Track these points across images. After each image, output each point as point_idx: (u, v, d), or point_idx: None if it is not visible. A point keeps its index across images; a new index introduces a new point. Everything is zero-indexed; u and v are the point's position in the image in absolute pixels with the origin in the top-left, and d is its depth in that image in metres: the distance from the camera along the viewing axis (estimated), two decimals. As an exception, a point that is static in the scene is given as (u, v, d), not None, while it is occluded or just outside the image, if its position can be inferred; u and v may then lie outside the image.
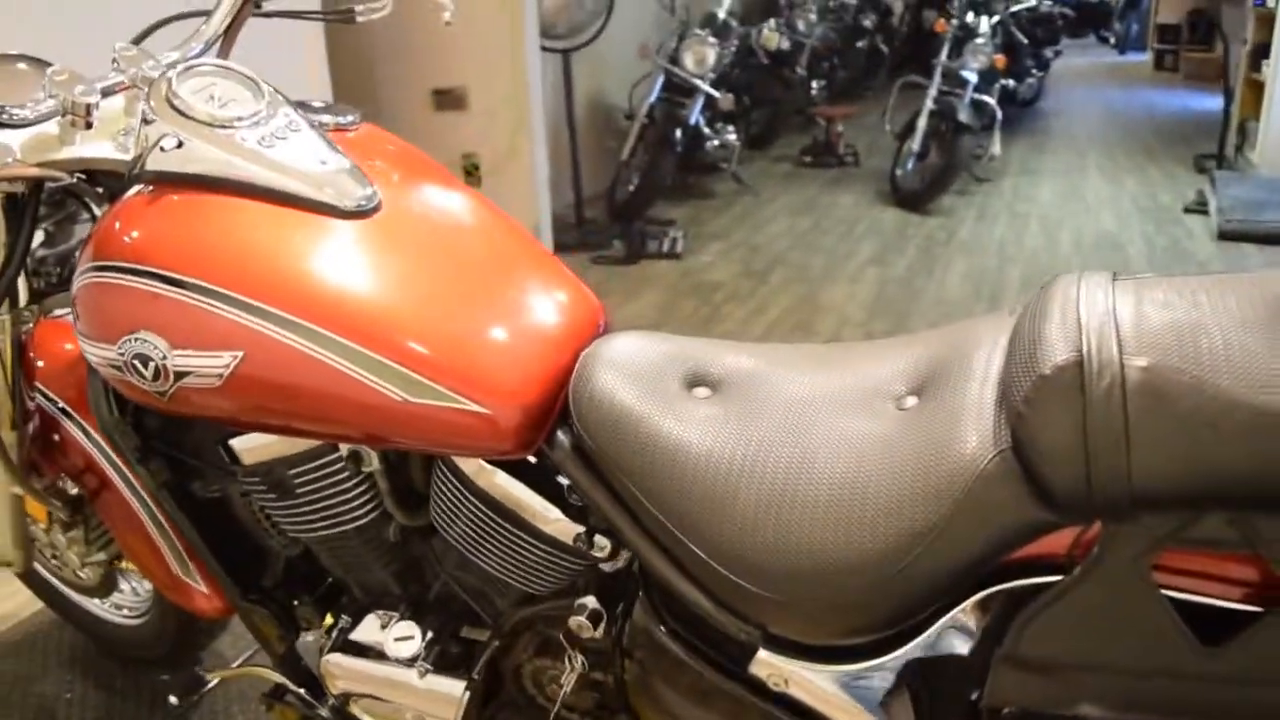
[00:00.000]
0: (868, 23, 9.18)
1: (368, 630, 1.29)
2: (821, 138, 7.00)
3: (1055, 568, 0.86)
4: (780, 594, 0.92)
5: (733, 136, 5.95)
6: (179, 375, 1.08)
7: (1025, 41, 7.67)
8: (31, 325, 1.44)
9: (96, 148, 1.18)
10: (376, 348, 1.03)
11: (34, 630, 2.14)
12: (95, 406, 1.29)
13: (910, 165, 5.73)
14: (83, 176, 1.25)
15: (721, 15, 5.79)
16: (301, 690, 1.39)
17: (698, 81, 5.46)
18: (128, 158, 1.16)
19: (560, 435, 1.07)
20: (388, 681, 1.26)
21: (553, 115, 5.34)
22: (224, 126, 1.12)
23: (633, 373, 1.05)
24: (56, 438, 1.53)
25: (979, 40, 5.70)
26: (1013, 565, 0.88)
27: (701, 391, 1.05)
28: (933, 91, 5.65)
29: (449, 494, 1.15)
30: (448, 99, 4.82)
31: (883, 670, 0.95)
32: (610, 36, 5.28)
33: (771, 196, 6.14)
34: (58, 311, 1.46)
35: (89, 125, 1.16)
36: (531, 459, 1.13)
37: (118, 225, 1.12)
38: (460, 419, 1.03)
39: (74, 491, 1.57)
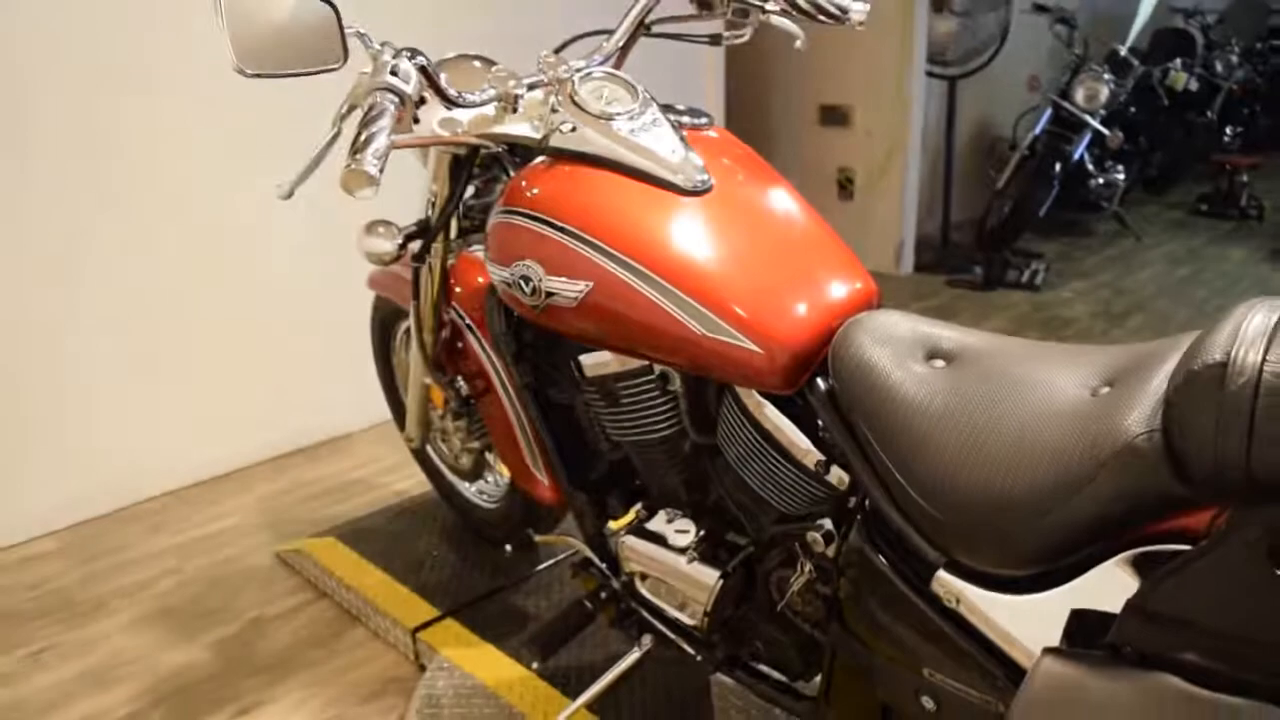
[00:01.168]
0: (1307, 68, 8.46)
1: (657, 523, 1.63)
2: (1224, 187, 6.60)
3: (1193, 540, 1.02)
4: (960, 523, 1.15)
5: (1120, 176, 5.80)
6: (548, 294, 1.47)
7: None
8: (455, 256, 1.91)
9: (519, 127, 1.59)
10: (687, 290, 1.35)
11: (421, 505, 2.70)
12: (489, 318, 1.72)
13: (1316, 225, 5.33)
14: (505, 148, 1.68)
15: (1123, 52, 5.66)
16: (603, 565, 1.76)
17: (1086, 117, 5.39)
18: (538, 136, 1.56)
19: (819, 381, 1.35)
20: (663, 564, 1.59)
21: (933, 139, 5.50)
22: (607, 119, 1.49)
23: (884, 340, 1.31)
24: (460, 345, 1.99)
25: None
26: (1158, 534, 1.06)
27: (938, 363, 1.29)
28: (1355, 148, 5.23)
29: (732, 419, 1.46)
30: (833, 115, 5.14)
31: (1039, 608, 1.15)
32: (1001, 66, 5.37)
33: (1154, 242, 5.93)
34: (474, 248, 1.92)
35: (515, 110, 1.58)
36: (798, 401, 1.41)
37: (523, 183, 1.53)
38: (741, 355, 1.34)
39: (465, 391, 2.03)
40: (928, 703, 1.29)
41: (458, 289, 1.95)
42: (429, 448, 2.42)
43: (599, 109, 1.51)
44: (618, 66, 1.74)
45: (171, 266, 2.83)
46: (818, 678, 1.52)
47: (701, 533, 1.59)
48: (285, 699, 2.05)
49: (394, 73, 1.37)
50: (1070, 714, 1.00)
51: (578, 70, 1.56)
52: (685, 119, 1.60)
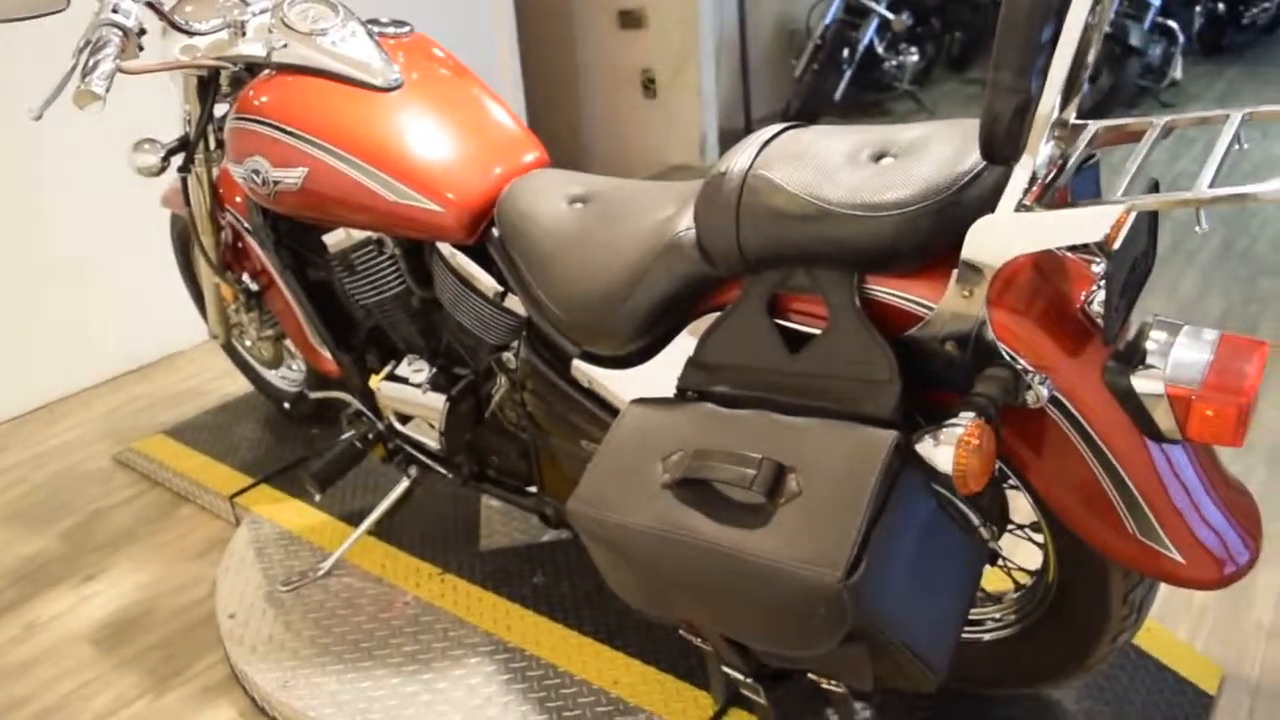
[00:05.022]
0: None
1: (402, 368, 1.99)
2: (1013, 61, 7.10)
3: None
4: (576, 319, 1.53)
5: (914, 58, 6.26)
6: (276, 183, 1.79)
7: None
8: (218, 167, 2.19)
9: (249, 47, 1.88)
10: (378, 167, 1.69)
11: (241, 401, 3.01)
12: (248, 214, 2.03)
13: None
14: (244, 67, 1.96)
15: (902, -61, 6.07)
16: (369, 413, 2.10)
17: (871, 4, 5.81)
18: (263, 54, 1.86)
19: (493, 231, 1.70)
20: (405, 400, 1.95)
21: (733, 36, 5.85)
22: (312, 35, 1.80)
23: (538, 192, 1.66)
24: (240, 246, 2.29)
25: (1161, -39, 5.73)
26: (714, 306, 1.45)
27: (577, 205, 1.65)
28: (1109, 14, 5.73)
29: (439, 272, 1.81)
30: (629, 18, 5.44)
31: (645, 376, 1.53)
32: (790, -39, 5.71)
33: (946, 116, 6.38)
34: (235, 157, 2.21)
35: (244, 34, 1.87)
36: (487, 250, 1.76)
37: (250, 93, 1.83)
38: (425, 215, 1.68)
39: (253, 287, 2.33)
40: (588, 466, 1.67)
41: (236, 197, 2.24)
42: (235, 343, 2.71)
43: (307, 27, 1.82)
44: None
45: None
46: (541, 477, 1.90)
47: (434, 369, 1.94)
48: (124, 565, 2.37)
49: (115, 10, 1.65)
50: (641, 437, 1.38)
51: (290, -3, 1.86)
52: (389, 30, 1.92)
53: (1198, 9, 6.67)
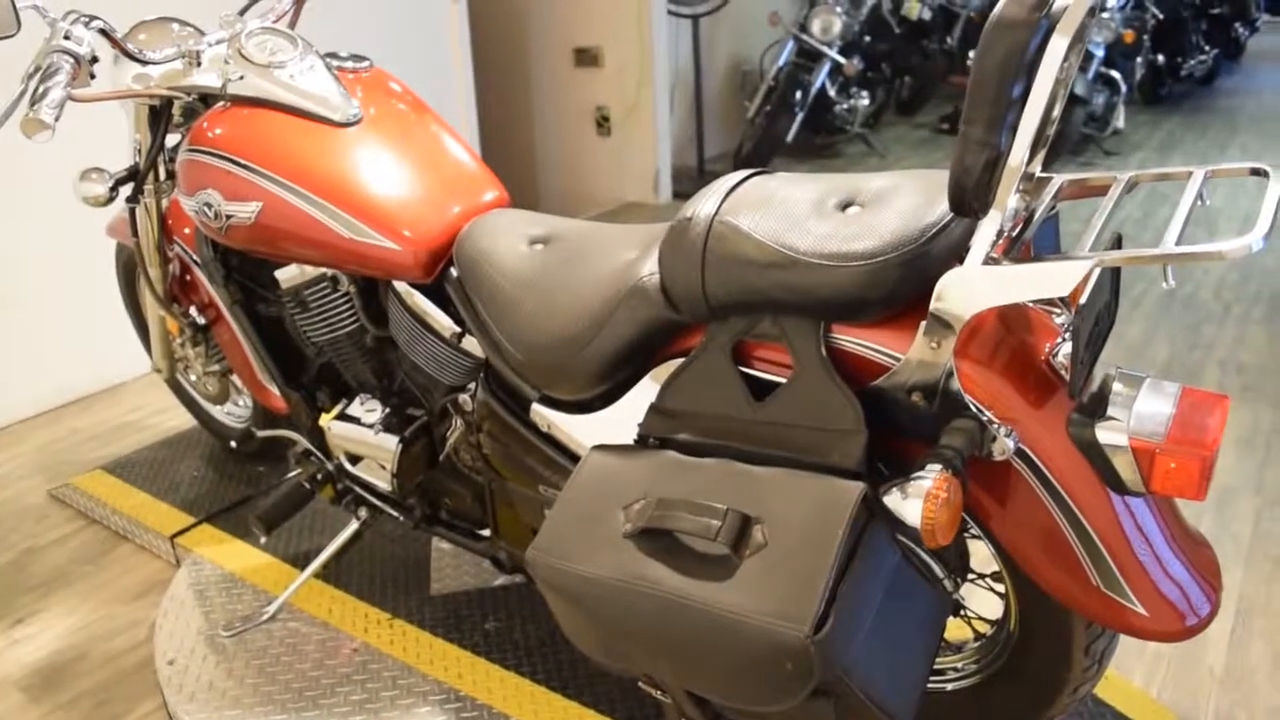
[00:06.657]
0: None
1: (354, 408, 1.94)
2: (960, 106, 7.23)
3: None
4: (536, 362, 1.50)
5: (865, 102, 6.34)
6: (228, 217, 1.74)
7: (1188, 16, 7.63)
8: (168, 198, 2.14)
9: (204, 77, 1.84)
10: (335, 203, 1.66)
11: (185, 437, 2.93)
12: (198, 247, 1.98)
13: (1026, 134, 5.96)
14: (198, 97, 1.92)
15: (855, -15, 6.18)
16: (319, 452, 2.05)
17: (824, 48, 5.89)
18: (219, 85, 1.82)
19: (450, 270, 1.67)
20: (357, 440, 1.90)
21: (687, 76, 5.90)
22: (270, 67, 1.77)
23: (497, 232, 1.64)
24: (188, 279, 2.24)
25: (1104, 15, 5.87)
26: (677, 352, 1.43)
27: (537, 247, 1.63)
28: (1053, 64, 5.87)
29: (394, 310, 1.77)
30: (585, 56, 5.46)
31: (606, 421, 1.51)
32: (744, 4, 5.77)
33: (896, 159, 6.49)
34: (185, 189, 2.16)
35: (199, 64, 1.83)
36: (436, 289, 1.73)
37: (204, 125, 1.79)
38: (382, 254, 1.65)
39: (200, 321, 2.28)
40: (548, 513, 1.64)
41: (185, 229, 2.19)
42: (180, 377, 2.65)
43: (265, 59, 1.78)
44: (293, 24, 2.00)
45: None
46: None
47: (387, 410, 1.90)
48: (58, 607, 2.28)
49: (67, 37, 1.61)
50: (602, 485, 1.35)
51: (245, 28, 1.82)
52: (348, 64, 1.89)
53: (1139, 60, 6.84)
